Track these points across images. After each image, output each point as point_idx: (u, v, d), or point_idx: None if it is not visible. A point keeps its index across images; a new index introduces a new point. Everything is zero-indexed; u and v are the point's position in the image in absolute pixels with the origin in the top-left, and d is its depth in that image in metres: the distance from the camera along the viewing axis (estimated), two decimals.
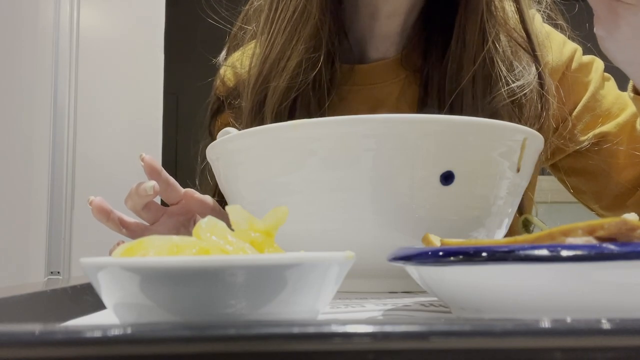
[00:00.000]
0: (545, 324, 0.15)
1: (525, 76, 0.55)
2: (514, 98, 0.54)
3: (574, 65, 0.66)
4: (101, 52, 1.68)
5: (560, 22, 0.65)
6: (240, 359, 0.15)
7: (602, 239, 0.22)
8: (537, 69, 0.56)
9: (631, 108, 0.64)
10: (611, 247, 0.20)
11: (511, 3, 0.59)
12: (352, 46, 0.68)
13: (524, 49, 0.57)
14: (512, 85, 0.54)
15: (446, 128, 0.39)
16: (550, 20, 0.65)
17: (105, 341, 0.15)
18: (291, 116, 0.61)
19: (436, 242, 0.29)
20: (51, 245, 1.60)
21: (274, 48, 0.60)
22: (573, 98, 0.65)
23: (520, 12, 0.58)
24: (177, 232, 0.59)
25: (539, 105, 0.56)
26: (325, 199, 0.41)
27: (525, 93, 0.54)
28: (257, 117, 0.62)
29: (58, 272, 1.60)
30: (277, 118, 0.60)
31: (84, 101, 1.66)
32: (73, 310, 0.33)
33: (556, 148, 0.65)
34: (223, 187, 0.49)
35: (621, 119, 0.64)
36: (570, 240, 0.22)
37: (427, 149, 0.39)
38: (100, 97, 1.66)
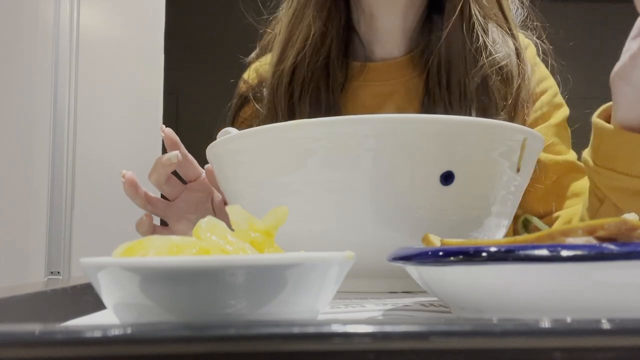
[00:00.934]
0: (545, 324, 0.15)
1: (505, 49, 0.64)
2: (498, 65, 0.64)
3: (546, 98, 0.71)
4: (101, 52, 1.68)
5: (539, 28, 0.73)
6: (240, 359, 0.15)
7: (602, 239, 0.22)
8: (513, 43, 0.66)
9: (571, 157, 0.69)
10: (611, 247, 0.20)
11: None
12: (363, 45, 0.74)
13: (502, 28, 0.66)
14: (495, 55, 0.64)
15: (446, 128, 0.39)
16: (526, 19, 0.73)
17: (105, 341, 0.15)
18: (303, 103, 0.68)
19: (436, 242, 0.29)
20: (51, 245, 1.60)
21: (288, 29, 0.69)
22: (531, 123, 0.70)
23: (499, 3, 0.67)
24: (196, 208, 0.62)
25: (517, 71, 0.64)
26: (325, 199, 0.41)
27: (507, 63, 0.64)
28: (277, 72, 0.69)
29: (58, 272, 1.60)
30: (291, 100, 0.68)
31: (84, 101, 1.66)
32: (73, 310, 0.33)
33: None
34: (223, 187, 0.49)
35: (559, 158, 0.69)
36: (570, 240, 0.22)
37: (427, 149, 0.39)
38: (100, 97, 1.66)
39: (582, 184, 0.67)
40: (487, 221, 0.43)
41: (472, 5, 0.65)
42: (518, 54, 0.65)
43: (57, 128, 1.62)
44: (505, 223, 0.46)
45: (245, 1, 0.79)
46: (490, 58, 0.63)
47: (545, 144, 0.68)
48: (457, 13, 0.65)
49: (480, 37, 0.64)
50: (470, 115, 0.62)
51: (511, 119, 0.64)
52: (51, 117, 1.62)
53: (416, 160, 0.39)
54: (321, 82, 0.68)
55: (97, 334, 0.15)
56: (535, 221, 0.43)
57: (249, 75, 0.78)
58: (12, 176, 1.59)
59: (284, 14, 0.71)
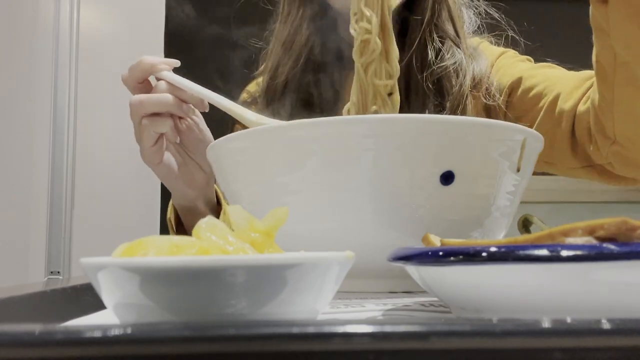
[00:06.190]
0: (545, 324, 0.15)
1: (452, 59, 0.74)
2: (446, 70, 0.74)
3: (507, 53, 0.79)
4: (101, 52, 1.67)
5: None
6: (240, 359, 0.15)
7: (602, 239, 0.22)
8: (460, 53, 0.76)
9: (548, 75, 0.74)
10: (611, 247, 0.20)
11: (447, 14, 0.77)
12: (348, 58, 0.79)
13: (453, 42, 0.77)
14: (442, 64, 0.74)
15: (446, 128, 0.39)
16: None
17: (105, 341, 0.15)
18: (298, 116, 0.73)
19: (436, 242, 0.29)
20: (51, 245, 1.60)
21: (282, 48, 0.77)
22: (510, 72, 0.77)
23: (452, 20, 0.76)
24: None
25: (462, 73, 0.75)
26: (325, 199, 0.41)
27: (456, 68, 0.74)
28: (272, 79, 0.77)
29: (58, 272, 1.60)
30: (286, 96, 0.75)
31: (84, 101, 1.66)
32: (73, 310, 0.33)
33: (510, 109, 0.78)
34: (223, 187, 0.49)
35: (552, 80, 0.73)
36: (570, 240, 0.22)
37: (427, 149, 0.39)
38: (100, 97, 1.66)
39: (555, 73, 0.73)
40: (487, 221, 0.43)
41: (426, 26, 0.74)
42: (461, 64, 0.75)
43: (57, 128, 1.62)
44: (505, 223, 0.46)
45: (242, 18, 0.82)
46: (439, 65, 0.74)
47: (517, 78, 0.74)
48: (416, 33, 0.74)
49: (431, 52, 0.75)
50: (425, 110, 0.73)
51: (461, 104, 0.72)
52: (51, 117, 1.62)
53: (416, 160, 0.39)
54: (313, 90, 0.75)
55: (97, 334, 0.15)
56: (535, 221, 0.43)
57: (252, 88, 0.83)
58: (12, 176, 1.59)
59: (277, 34, 0.78)
